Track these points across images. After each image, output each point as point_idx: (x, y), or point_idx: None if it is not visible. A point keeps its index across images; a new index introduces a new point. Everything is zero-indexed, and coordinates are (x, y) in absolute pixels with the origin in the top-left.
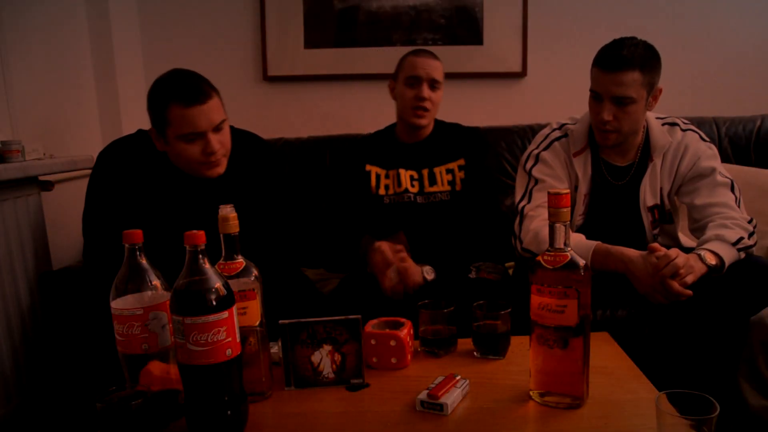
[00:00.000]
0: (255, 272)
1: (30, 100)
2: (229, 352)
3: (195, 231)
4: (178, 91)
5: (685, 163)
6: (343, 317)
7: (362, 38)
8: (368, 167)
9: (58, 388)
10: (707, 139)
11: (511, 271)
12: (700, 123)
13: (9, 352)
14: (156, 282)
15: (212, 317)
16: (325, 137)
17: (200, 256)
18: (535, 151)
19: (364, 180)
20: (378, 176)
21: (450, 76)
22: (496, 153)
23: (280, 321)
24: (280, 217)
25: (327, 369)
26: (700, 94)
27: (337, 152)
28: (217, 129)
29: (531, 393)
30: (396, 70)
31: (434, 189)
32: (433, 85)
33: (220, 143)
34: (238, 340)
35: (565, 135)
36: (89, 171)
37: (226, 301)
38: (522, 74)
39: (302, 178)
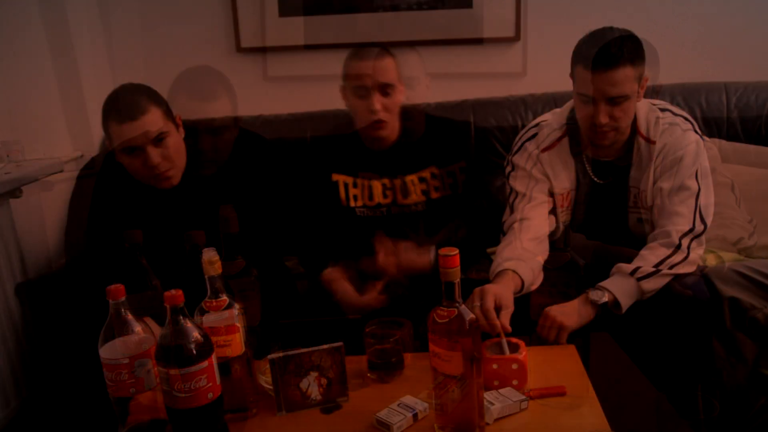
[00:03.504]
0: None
1: None
2: (210, 395)
3: (173, 291)
4: (114, 108)
5: (669, 157)
6: (327, 346)
7: (339, 4)
8: (335, 177)
9: (54, 394)
10: (699, 131)
11: None
12: (708, 90)
13: (5, 360)
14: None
15: (193, 368)
16: (305, 114)
17: (180, 315)
18: (510, 157)
19: (332, 192)
20: (346, 185)
21: (437, 42)
22: (485, 132)
23: (269, 356)
24: (272, 212)
25: (314, 392)
26: (710, 57)
27: (300, 160)
28: (158, 141)
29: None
30: (343, 75)
31: (408, 201)
32: (386, 90)
33: (163, 156)
34: (218, 382)
35: (535, 135)
36: (59, 175)
37: (205, 351)
38: (515, 39)
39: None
